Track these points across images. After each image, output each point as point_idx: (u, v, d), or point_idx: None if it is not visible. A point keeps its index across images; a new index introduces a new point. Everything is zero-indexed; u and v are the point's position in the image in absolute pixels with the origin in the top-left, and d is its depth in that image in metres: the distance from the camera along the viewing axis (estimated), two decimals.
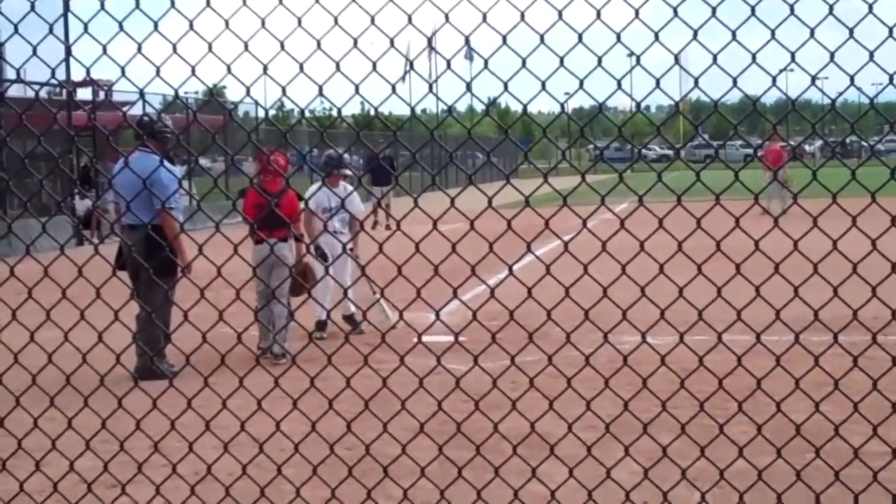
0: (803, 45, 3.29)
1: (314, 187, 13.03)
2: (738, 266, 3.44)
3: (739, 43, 3.32)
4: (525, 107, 3.48)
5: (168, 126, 10.83)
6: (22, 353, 4.18)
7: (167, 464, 4.57)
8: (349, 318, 12.55)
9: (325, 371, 4.05)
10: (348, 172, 13.50)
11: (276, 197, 10.95)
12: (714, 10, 3.33)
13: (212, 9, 3.57)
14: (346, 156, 13.82)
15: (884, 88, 3.62)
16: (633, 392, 4.17)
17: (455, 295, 3.86)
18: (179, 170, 16.35)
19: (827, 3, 3.26)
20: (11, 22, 3.84)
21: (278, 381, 4.15)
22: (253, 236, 10.13)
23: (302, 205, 11.72)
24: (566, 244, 3.60)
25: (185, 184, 28.00)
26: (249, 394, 4.10)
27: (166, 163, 10.47)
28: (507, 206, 3.55)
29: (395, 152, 48.88)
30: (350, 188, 12.98)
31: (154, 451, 4.48)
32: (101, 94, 24.33)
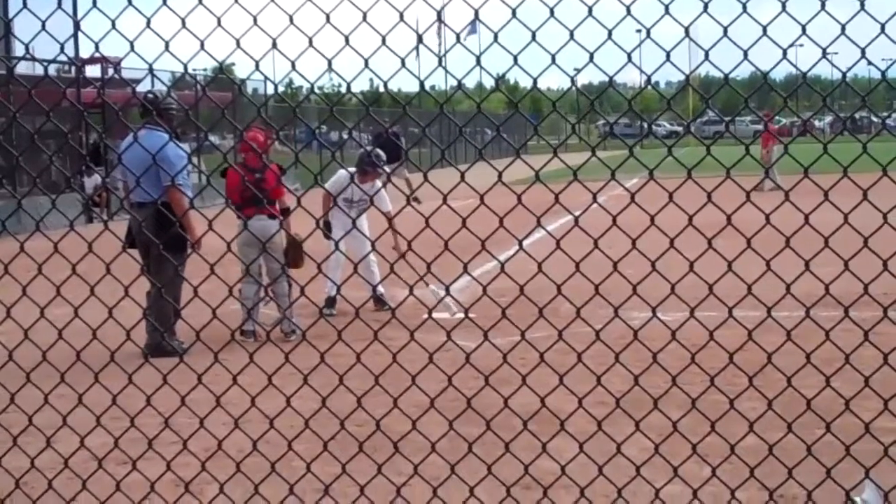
0: (813, 17, 3.27)
1: (342, 174, 12.26)
2: (748, 241, 3.42)
3: (750, 15, 3.30)
4: (535, 80, 3.46)
5: (174, 102, 10.82)
6: (32, 330, 4.19)
7: (177, 440, 4.57)
8: (378, 299, 12.48)
9: (335, 347, 4.05)
10: (388, 170, 13.22)
11: (257, 172, 11.16)
12: None
13: None
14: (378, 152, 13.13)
15: (894, 62, 3.60)
16: (644, 367, 4.17)
17: (465, 270, 3.85)
18: (187, 147, 16.31)
19: None
20: None
21: (288, 357, 4.14)
22: (238, 213, 10.35)
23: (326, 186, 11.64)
24: (576, 219, 3.59)
25: (194, 160, 28.01)
26: (260, 370, 4.10)
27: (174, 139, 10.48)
28: (517, 182, 3.54)
29: (403, 129, 48.80)
30: (379, 184, 12.79)
31: (164, 428, 4.49)
32: (110, 71, 24.32)
